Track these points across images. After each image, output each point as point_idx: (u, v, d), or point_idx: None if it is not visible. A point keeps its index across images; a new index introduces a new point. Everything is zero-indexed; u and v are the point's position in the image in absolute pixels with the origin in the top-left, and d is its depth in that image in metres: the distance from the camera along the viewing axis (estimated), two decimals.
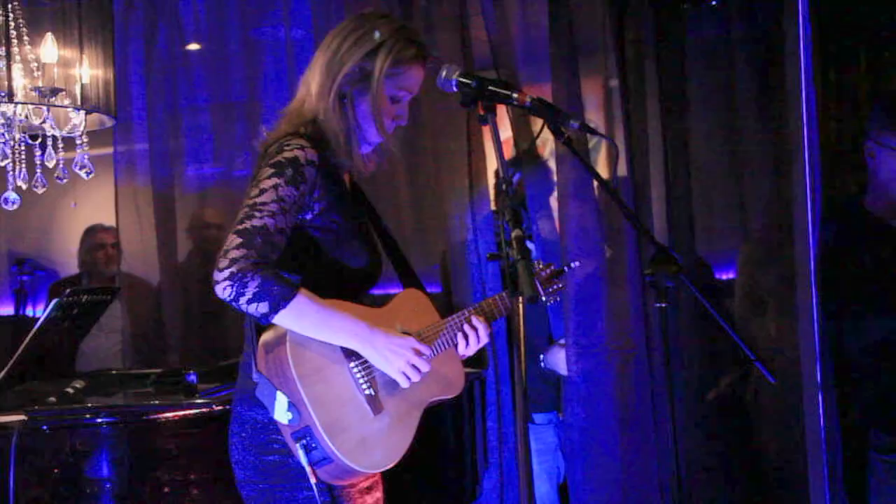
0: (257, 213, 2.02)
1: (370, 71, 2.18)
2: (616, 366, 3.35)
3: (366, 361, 2.12)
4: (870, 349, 2.98)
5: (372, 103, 2.20)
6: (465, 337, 2.28)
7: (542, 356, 3.50)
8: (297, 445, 2.03)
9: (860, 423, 3.04)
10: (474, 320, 2.29)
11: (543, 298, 2.55)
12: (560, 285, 2.58)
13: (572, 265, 2.66)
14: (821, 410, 3.01)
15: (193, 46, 4.13)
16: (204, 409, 2.70)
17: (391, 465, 2.15)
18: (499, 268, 3.50)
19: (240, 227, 2.00)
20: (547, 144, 3.94)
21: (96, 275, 4.96)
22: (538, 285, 2.51)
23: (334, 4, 3.73)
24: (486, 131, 2.55)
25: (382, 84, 2.20)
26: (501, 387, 3.48)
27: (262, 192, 2.04)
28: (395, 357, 2.10)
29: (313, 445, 2.02)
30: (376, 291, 2.41)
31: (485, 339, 2.30)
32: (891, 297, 2.88)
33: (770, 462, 3.29)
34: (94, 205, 4.84)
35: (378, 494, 2.28)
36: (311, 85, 2.22)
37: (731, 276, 3.65)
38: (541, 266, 2.58)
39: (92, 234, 5.02)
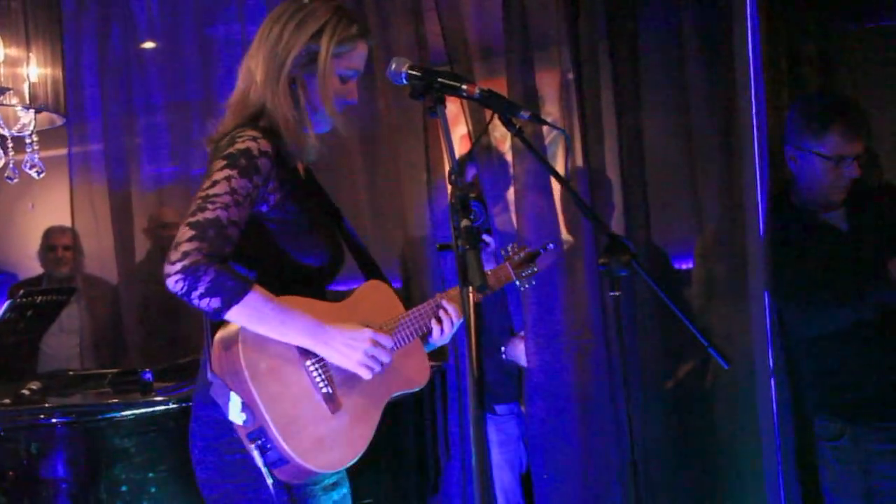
0: (210, 206, 1.98)
1: (317, 52, 2.17)
2: (575, 356, 3.37)
3: (322, 359, 2.10)
4: (810, 338, 3.03)
5: (321, 84, 2.18)
6: (440, 322, 2.29)
7: (503, 348, 3.51)
8: (253, 446, 2.01)
9: (805, 413, 3.10)
10: (445, 304, 2.30)
11: (517, 283, 2.55)
12: (535, 269, 2.58)
13: (548, 247, 2.65)
14: (773, 396, 3.06)
15: (148, 45, 4.11)
16: (160, 408, 2.69)
17: (350, 464, 2.13)
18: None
19: (192, 219, 1.96)
20: (507, 139, 3.95)
21: (53, 276, 4.93)
22: (511, 270, 2.53)
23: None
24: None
25: (331, 64, 2.18)
26: (462, 379, 3.48)
27: (215, 183, 2.01)
28: (351, 351, 2.07)
29: (269, 446, 2.00)
30: (339, 288, 2.37)
31: (457, 323, 2.31)
32: (828, 287, 2.92)
33: (726, 448, 3.32)
34: (52, 206, 4.80)
35: (344, 490, 2.27)
36: (256, 74, 2.19)
37: (688, 265, 3.68)
38: (514, 249, 2.57)
39: (46, 236, 4.99)
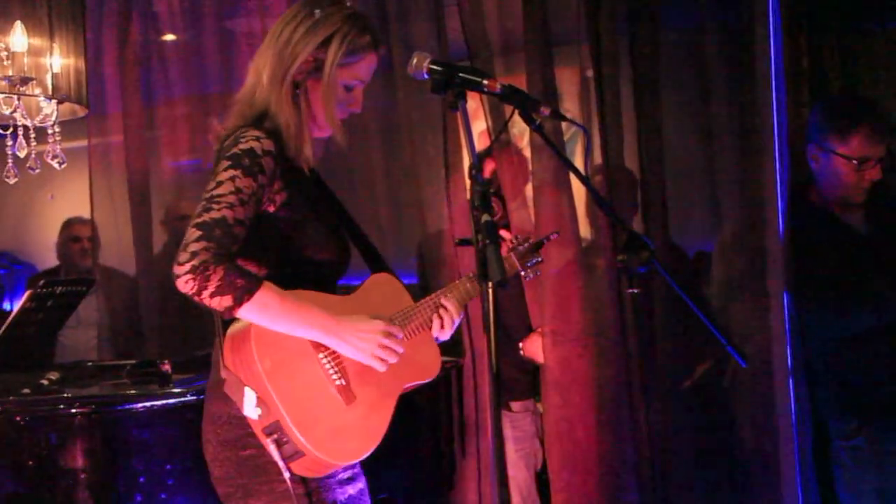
0: (215, 206, 1.99)
1: (323, 61, 2.16)
2: (592, 353, 3.36)
3: (335, 351, 2.11)
4: (827, 338, 3.02)
5: (324, 93, 2.18)
6: (440, 318, 2.29)
7: (521, 345, 3.51)
8: (269, 440, 2.01)
9: (820, 413, 3.09)
10: (443, 301, 2.30)
11: (522, 273, 2.56)
12: (540, 259, 2.59)
13: (551, 236, 2.68)
14: (791, 395, 3.04)
15: (168, 37, 4.11)
16: (178, 399, 2.70)
17: (366, 455, 2.14)
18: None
19: (198, 220, 1.98)
20: (524, 135, 3.94)
21: (73, 268, 4.96)
22: (516, 260, 2.53)
23: None
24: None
25: (335, 74, 2.17)
26: (478, 375, 3.49)
27: (220, 184, 2.02)
28: (364, 343, 2.09)
29: (285, 440, 2.01)
30: (347, 283, 2.39)
31: (458, 320, 2.31)
32: (847, 289, 2.91)
33: (744, 447, 3.31)
34: (72, 197, 4.83)
35: (360, 485, 2.27)
36: (263, 74, 2.19)
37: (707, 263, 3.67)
38: (518, 239, 2.58)
39: (68, 227, 5.02)
